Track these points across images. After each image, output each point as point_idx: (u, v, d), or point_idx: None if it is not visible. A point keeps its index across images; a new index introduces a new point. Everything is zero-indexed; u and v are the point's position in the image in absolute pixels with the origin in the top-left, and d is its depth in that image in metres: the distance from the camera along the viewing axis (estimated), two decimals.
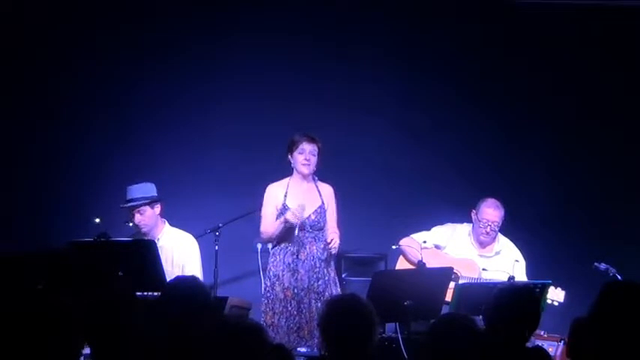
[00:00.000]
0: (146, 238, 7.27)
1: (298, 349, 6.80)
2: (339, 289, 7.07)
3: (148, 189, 7.35)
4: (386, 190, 8.73)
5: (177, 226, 7.51)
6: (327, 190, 7.19)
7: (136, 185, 7.37)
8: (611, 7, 8.81)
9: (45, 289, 6.09)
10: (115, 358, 4.07)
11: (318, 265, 7.02)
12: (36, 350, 3.20)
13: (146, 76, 8.68)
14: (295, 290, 6.95)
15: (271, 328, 6.88)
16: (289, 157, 7.11)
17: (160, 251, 7.19)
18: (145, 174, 8.06)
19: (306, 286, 6.95)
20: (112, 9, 8.69)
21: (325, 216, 7.12)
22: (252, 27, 8.75)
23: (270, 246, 7.21)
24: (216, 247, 7.49)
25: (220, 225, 7.57)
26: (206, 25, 8.76)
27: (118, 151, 8.63)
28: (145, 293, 6.36)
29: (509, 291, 4.86)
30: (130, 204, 7.30)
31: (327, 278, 7.03)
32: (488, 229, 7.47)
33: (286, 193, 7.09)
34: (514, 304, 4.66)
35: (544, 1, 8.82)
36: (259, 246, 7.72)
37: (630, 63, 8.79)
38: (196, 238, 7.52)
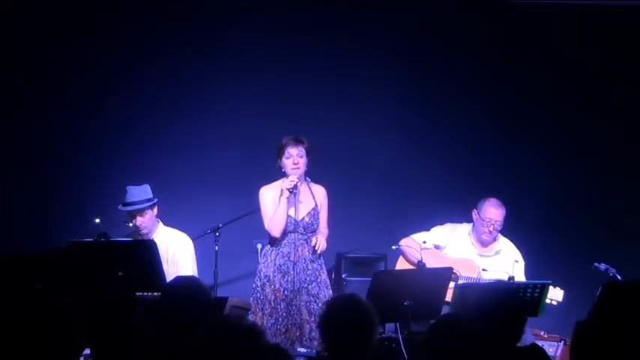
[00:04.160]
0: (143, 237, 7.28)
1: (298, 349, 6.79)
2: (330, 292, 7.05)
3: (147, 191, 7.35)
4: (386, 190, 8.73)
5: (177, 227, 7.51)
6: (320, 192, 7.17)
7: (135, 187, 7.36)
8: (611, 7, 8.81)
9: (45, 289, 6.08)
10: (114, 358, 4.07)
11: (310, 267, 7.00)
12: (36, 351, 3.19)
13: (146, 76, 8.68)
14: (285, 292, 6.93)
15: None
16: (278, 162, 7.08)
17: None
18: (144, 174, 8.06)
19: (296, 287, 6.92)
20: (112, 9, 8.69)
21: (319, 218, 7.10)
22: (251, 27, 8.75)
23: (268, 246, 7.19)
24: (216, 247, 7.50)
25: (220, 225, 7.57)
26: (205, 25, 8.76)
27: (118, 151, 8.63)
28: (145, 293, 6.36)
29: (490, 292, 4.84)
30: (133, 207, 7.30)
31: (319, 280, 7.01)
32: (491, 228, 7.47)
33: (280, 194, 7.07)
34: (495, 305, 4.64)
35: (544, 1, 8.82)
36: (259, 246, 7.72)
37: (630, 63, 8.78)
38: (196, 238, 7.53)
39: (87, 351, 4.08)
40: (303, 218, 7.04)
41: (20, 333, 3.19)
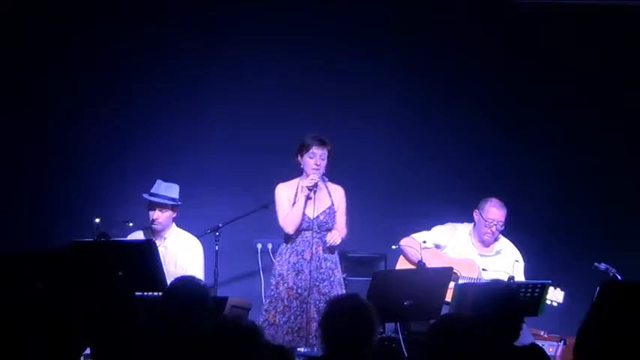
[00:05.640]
0: (153, 236, 7.31)
1: (298, 349, 6.80)
2: (344, 291, 7.07)
3: (175, 191, 7.39)
4: (386, 191, 8.73)
5: (177, 226, 7.51)
6: (337, 192, 7.21)
7: (166, 183, 7.40)
8: (611, 7, 8.80)
9: (45, 289, 6.09)
10: (114, 358, 4.07)
11: (323, 265, 7.03)
12: (36, 350, 3.20)
13: (146, 77, 8.68)
14: (299, 290, 6.96)
15: (272, 327, 6.90)
16: (299, 158, 7.09)
17: (164, 251, 7.23)
18: (145, 174, 8.07)
19: (309, 286, 6.95)
20: (114, 9, 8.68)
21: (334, 217, 7.14)
22: (252, 28, 8.75)
23: (270, 246, 7.22)
24: (216, 247, 7.49)
25: (220, 225, 7.57)
26: (206, 25, 8.75)
27: (118, 151, 8.63)
28: (145, 293, 6.36)
29: (487, 291, 4.84)
30: (158, 199, 7.31)
31: (332, 279, 7.04)
32: (493, 229, 7.48)
33: (296, 193, 7.10)
34: (492, 305, 4.64)
35: (544, 1, 8.82)
36: (259, 246, 7.75)
37: (630, 63, 8.78)
38: (197, 238, 7.53)
39: (87, 351, 4.09)
40: (318, 216, 7.08)
41: (21, 333, 3.19)
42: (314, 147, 7.03)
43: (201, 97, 8.74)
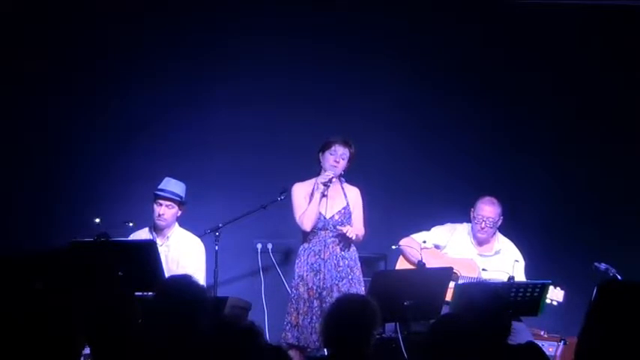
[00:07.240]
0: (156, 234, 7.34)
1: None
2: (363, 289, 7.09)
3: (182, 189, 7.40)
4: (386, 191, 8.72)
5: (179, 226, 7.52)
6: (353, 193, 7.28)
7: (175, 180, 7.42)
8: (611, 7, 8.81)
9: (45, 289, 6.09)
10: (114, 358, 4.07)
11: (341, 264, 7.07)
12: (36, 350, 3.20)
13: (147, 77, 8.68)
14: (318, 290, 7.00)
15: (296, 328, 6.96)
16: (320, 155, 7.15)
17: (167, 250, 7.23)
18: (145, 174, 8.08)
19: (328, 285, 7.00)
20: (114, 9, 8.68)
21: (349, 217, 7.20)
22: (252, 28, 8.75)
23: (270, 246, 7.23)
24: (216, 247, 7.50)
25: (220, 225, 7.57)
26: (206, 25, 8.75)
27: (118, 151, 8.63)
28: (145, 293, 6.36)
29: (467, 292, 4.84)
30: (166, 194, 7.32)
31: (351, 277, 7.09)
32: (483, 225, 7.49)
33: (313, 191, 7.13)
34: (472, 306, 4.63)
35: (544, 1, 8.82)
36: (259, 246, 7.74)
37: (630, 63, 8.78)
38: (199, 239, 7.54)
39: (87, 351, 4.09)
40: (333, 216, 7.14)
41: (21, 333, 3.20)
42: (336, 145, 7.12)
43: (202, 97, 8.73)
